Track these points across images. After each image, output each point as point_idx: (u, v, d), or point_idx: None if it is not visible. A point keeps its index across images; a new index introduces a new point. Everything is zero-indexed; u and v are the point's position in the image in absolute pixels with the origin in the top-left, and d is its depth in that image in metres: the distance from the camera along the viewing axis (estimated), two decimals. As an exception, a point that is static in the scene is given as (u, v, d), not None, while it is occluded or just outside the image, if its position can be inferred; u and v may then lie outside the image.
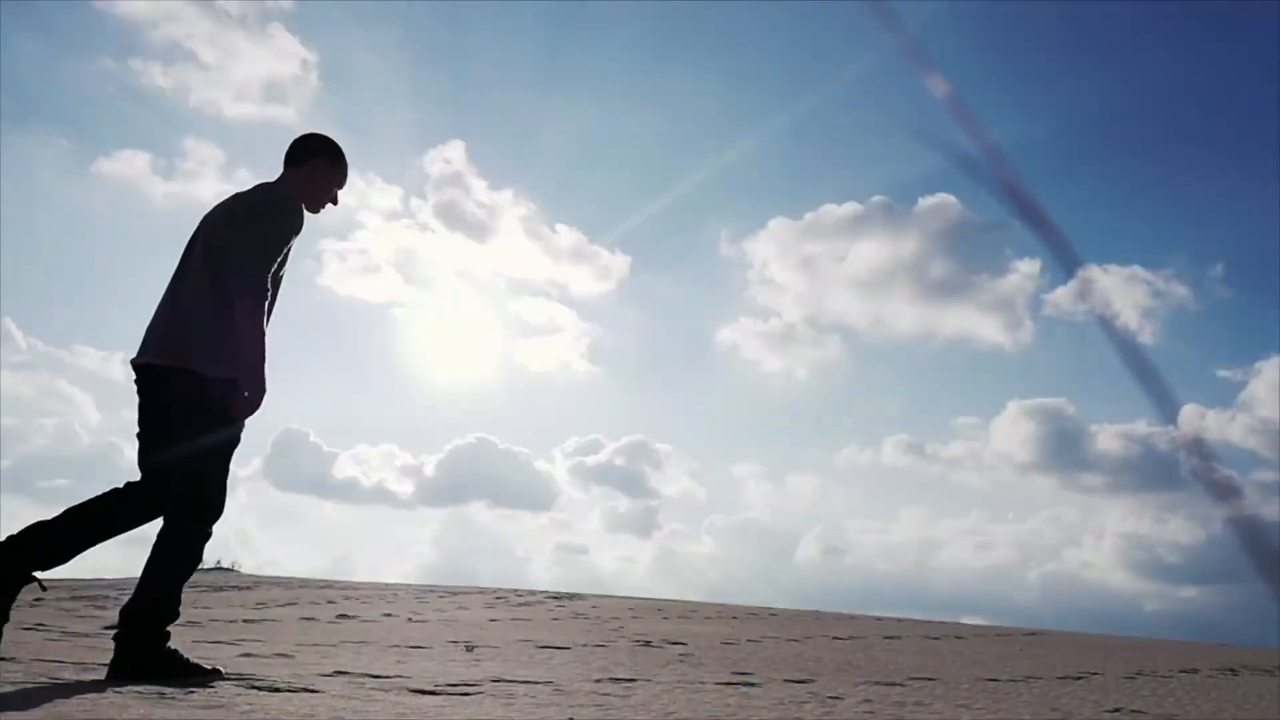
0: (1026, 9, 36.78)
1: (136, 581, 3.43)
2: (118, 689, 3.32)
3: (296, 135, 3.68)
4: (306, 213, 3.63)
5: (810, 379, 38.35)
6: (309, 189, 3.65)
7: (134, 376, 3.51)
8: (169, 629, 3.49)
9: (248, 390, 3.34)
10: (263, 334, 3.34)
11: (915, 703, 4.41)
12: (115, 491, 3.36)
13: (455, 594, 12.72)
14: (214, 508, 3.46)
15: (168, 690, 3.36)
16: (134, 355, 3.52)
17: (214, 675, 3.54)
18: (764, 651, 6.76)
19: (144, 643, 3.41)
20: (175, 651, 3.49)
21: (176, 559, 3.43)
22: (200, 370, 3.35)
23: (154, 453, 3.39)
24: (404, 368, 39.99)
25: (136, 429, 3.49)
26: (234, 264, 3.34)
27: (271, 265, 3.43)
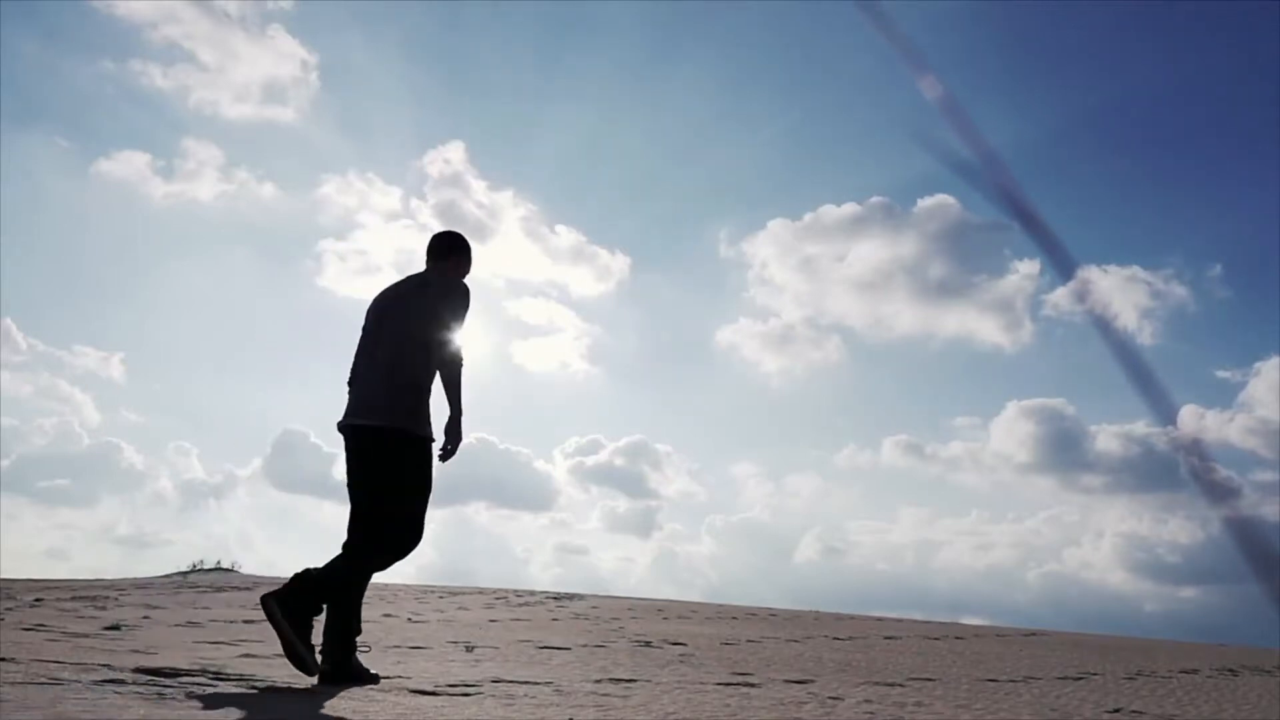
0: (1024, 9, 36.79)
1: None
2: (117, 689, 3.32)
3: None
4: None
5: (810, 379, 38.29)
6: (457, 276, 4.38)
7: (347, 437, 4.14)
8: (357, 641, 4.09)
9: (449, 440, 4.06)
10: (460, 393, 4.08)
11: (915, 703, 4.41)
12: (367, 545, 4.00)
13: (455, 594, 12.73)
14: (410, 546, 4.10)
15: (168, 690, 3.36)
16: (344, 419, 4.17)
17: (374, 679, 4.06)
18: (764, 652, 6.76)
19: (346, 650, 4.02)
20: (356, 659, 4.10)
21: (364, 572, 4.07)
22: (412, 430, 4.02)
23: (378, 504, 4.02)
24: (404, 368, 39.86)
25: (348, 481, 4.10)
26: (436, 339, 4.04)
27: (450, 333, 4.14)
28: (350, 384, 4.29)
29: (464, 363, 4.11)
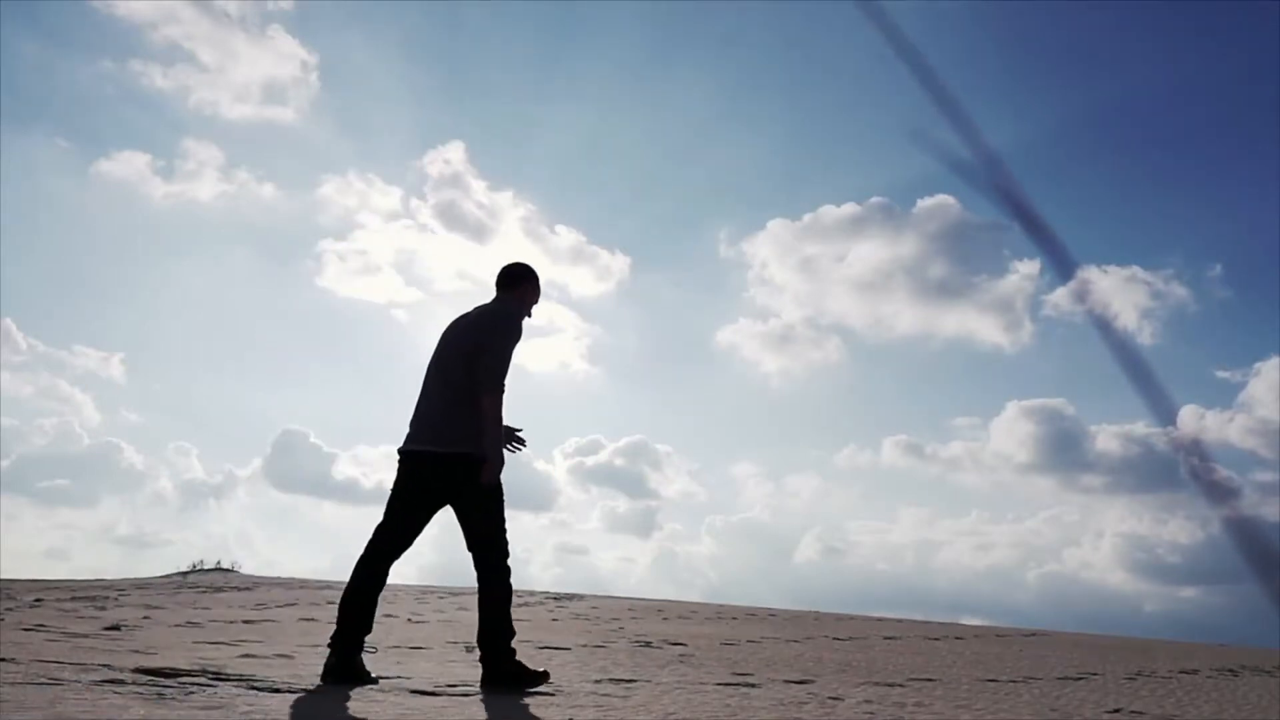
0: (1024, 9, 36.78)
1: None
2: (117, 690, 3.32)
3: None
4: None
5: (809, 379, 38.27)
6: (520, 307, 4.58)
7: (408, 461, 4.33)
8: (514, 644, 4.30)
9: (490, 460, 4.24)
10: (501, 417, 4.30)
11: (915, 703, 4.41)
12: (497, 589, 4.27)
13: (455, 595, 12.72)
14: (507, 549, 4.33)
15: (167, 690, 3.36)
16: (405, 444, 4.35)
17: (544, 678, 4.27)
18: (764, 652, 6.76)
19: (500, 657, 4.23)
20: (521, 662, 4.29)
21: (502, 593, 4.28)
22: (474, 453, 4.24)
23: (469, 524, 4.28)
24: (404, 368, 39.94)
25: (399, 502, 4.30)
26: (483, 367, 4.28)
27: (507, 366, 4.36)
28: (416, 408, 4.45)
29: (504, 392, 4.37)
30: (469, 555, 4.32)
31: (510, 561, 4.34)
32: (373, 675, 4.19)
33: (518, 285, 4.58)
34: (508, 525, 4.37)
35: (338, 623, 4.20)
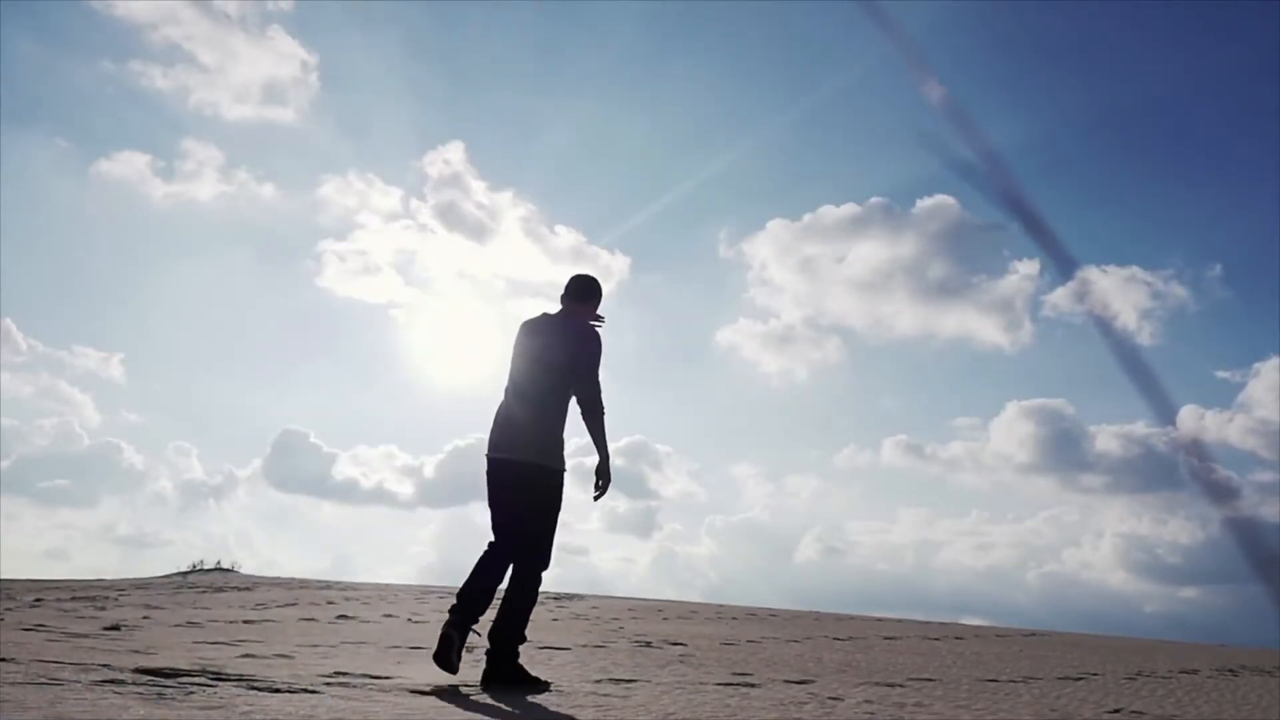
0: (1025, 10, 36.78)
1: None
2: (117, 690, 3.32)
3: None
4: None
5: (809, 380, 38.29)
6: (590, 318, 4.76)
7: (493, 467, 4.54)
8: (520, 648, 4.46)
9: (602, 480, 4.54)
10: (606, 439, 4.58)
11: (915, 703, 4.41)
12: (493, 556, 4.42)
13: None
14: (548, 560, 4.51)
15: (167, 690, 3.36)
16: (490, 451, 4.55)
17: (544, 687, 4.32)
18: (764, 652, 6.76)
19: (506, 658, 4.37)
20: (523, 666, 4.45)
21: (526, 599, 4.47)
22: (552, 465, 4.45)
23: (520, 526, 4.44)
24: (404, 369, 39.96)
25: (489, 504, 4.53)
26: (584, 386, 4.53)
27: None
28: (500, 415, 4.59)
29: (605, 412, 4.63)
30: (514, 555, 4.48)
31: (546, 574, 4.52)
32: (536, 677, 4.40)
33: (591, 300, 4.73)
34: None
35: (491, 636, 4.41)
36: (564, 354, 4.51)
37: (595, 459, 4.53)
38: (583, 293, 4.70)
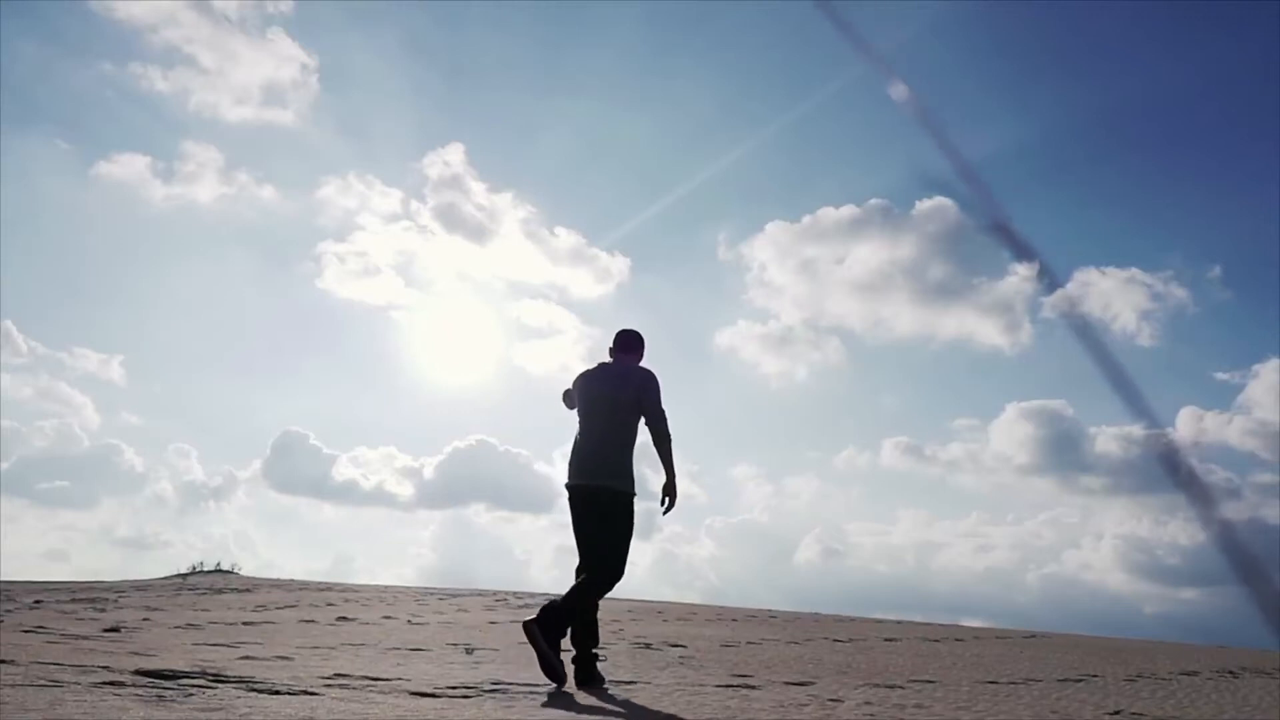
0: (1025, 10, 36.79)
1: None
2: (117, 691, 3.32)
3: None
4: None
5: (809, 381, 38.25)
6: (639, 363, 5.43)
7: (574, 494, 5.09)
8: (560, 640, 4.77)
9: (669, 498, 5.12)
10: (673, 461, 5.16)
11: (915, 705, 4.41)
12: (587, 581, 4.93)
13: (455, 596, 12.71)
14: (621, 571, 5.01)
15: (167, 692, 3.36)
16: (570, 479, 5.11)
17: (561, 678, 4.59)
18: (764, 654, 6.76)
19: (551, 632, 4.68)
20: (553, 652, 4.69)
21: (584, 596, 4.88)
22: (625, 490, 5.05)
23: (598, 544, 4.99)
24: (404, 370, 39.92)
25: (574, 528, 5.08)
26: (652, 418, 5.13)
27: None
28: (576, 449, 5.21)
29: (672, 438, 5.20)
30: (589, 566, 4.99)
31: (617, 583, 4.96)
32: (604, 678, 4.80)
33: (639, 349, 5.43)
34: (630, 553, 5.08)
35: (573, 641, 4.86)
36: (631, 394, 5.14)
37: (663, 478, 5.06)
38: (631, 344, 5.41)
